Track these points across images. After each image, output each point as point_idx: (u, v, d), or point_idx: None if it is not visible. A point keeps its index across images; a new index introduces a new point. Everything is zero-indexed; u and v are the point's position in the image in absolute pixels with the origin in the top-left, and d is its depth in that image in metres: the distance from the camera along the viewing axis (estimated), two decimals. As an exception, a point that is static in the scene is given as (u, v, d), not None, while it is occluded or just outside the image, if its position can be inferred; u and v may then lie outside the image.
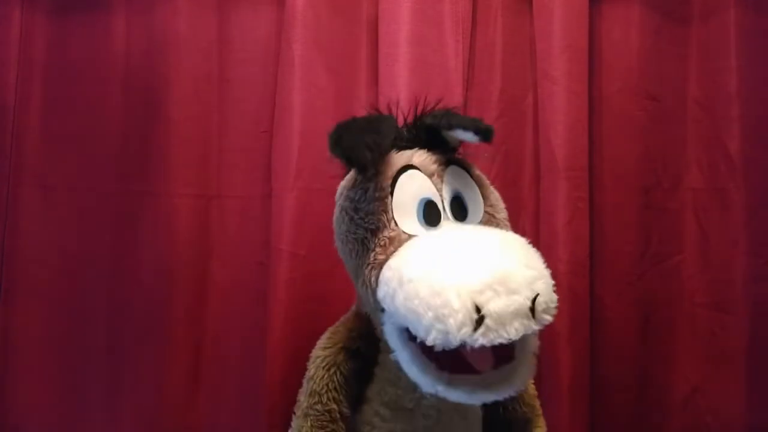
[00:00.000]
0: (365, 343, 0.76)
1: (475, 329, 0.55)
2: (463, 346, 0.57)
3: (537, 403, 0.85)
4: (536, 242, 1.04)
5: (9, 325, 1.09)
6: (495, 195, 0.76)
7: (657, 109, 1.08)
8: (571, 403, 1.00)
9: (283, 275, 1.01)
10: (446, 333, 0.56)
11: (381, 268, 0.66)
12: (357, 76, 1.09)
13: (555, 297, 0.61)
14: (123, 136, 1.09)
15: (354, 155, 0.64)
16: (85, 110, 1.10)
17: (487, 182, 0.77)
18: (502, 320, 0.55)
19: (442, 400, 0.66)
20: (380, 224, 0.67)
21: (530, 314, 0.57)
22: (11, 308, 1.09)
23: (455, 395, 0.62)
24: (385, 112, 0.77)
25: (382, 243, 0.67)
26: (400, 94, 1.03)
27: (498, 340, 0.56)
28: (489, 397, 0.63)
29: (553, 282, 0.62)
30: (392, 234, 0.67)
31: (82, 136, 1.10)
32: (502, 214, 0.75)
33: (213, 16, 1.10)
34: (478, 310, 0.55)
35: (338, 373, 0.75)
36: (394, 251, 0.66)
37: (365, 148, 0.63)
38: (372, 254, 0.67)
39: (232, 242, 1.09)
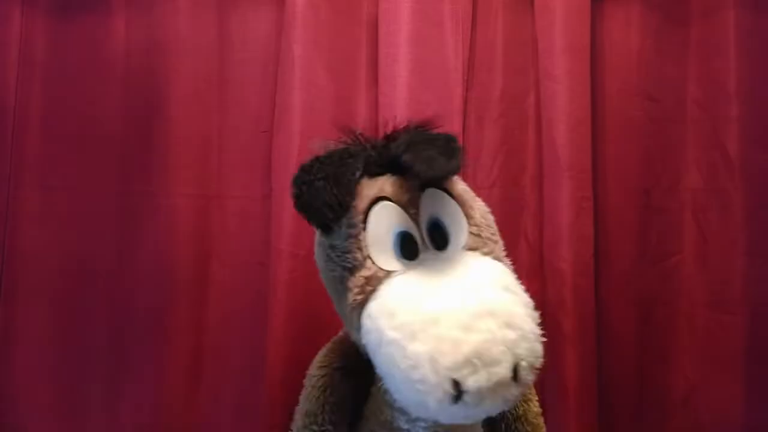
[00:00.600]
0: (360, 362, 0.73)
1: (456, 401, 0.53)
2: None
3: (541, 420, 0.82)
4: (539, 242, 1.06)
5: (9, 325, 1.08)
6: (480, 210, 0.71)
7: (656, 109, 1.08)
8: (578, 406, 0.99)
9: (283, 275, 1.01)
10: (426, 407, 0.55)
11: (361, 308, 0.63)
12: (357, 76, 1.09)
13: (539, 352, 0.57)
14: (123, 136, 1.09)
15: (315, 218, 0.63)
16: (85, 110, 1.09)
17: (471, 197, 0.72)
18: (481, 396, 0.53)
19: (439, 423, 0.65)
20: (356, 263, 0.64)
21: (512, 381, 0.54)
22: (11, 308, 1.09)
23: (446, 417, 0.60)
24: (356, 135, 0.71)
25: (359, 283, 0.63)
26: (400, 94, 1.03)
27: (477, 413, 0.54)
28: (479, 416, 0.61)
29: (536, 333, 0.58)
30: (369, 273, 0.63)
31: (83, 136, 1.10)
32: (489, 230, 0.70)
33: (213, 16, 1.10)
34: (457, 384, 0.53)
35: (334, 394, 0.74)
36: (373, 291, 0.62)
37: (327, 209, 0.61)
38: (350, 295, 0.64)
39: (232, 242, 1.09)
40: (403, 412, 0.70)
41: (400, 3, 1.04)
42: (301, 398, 0.77)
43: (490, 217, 0.73)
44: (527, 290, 0.64)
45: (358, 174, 0.64)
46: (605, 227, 1.06)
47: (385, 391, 0.68)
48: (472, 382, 0.53)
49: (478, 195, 1.06)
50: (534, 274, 1.06)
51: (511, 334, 0.55)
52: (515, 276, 0.66)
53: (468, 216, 0.68)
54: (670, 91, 1.08)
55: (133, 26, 1.09)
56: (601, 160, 1.07)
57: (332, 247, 0.67)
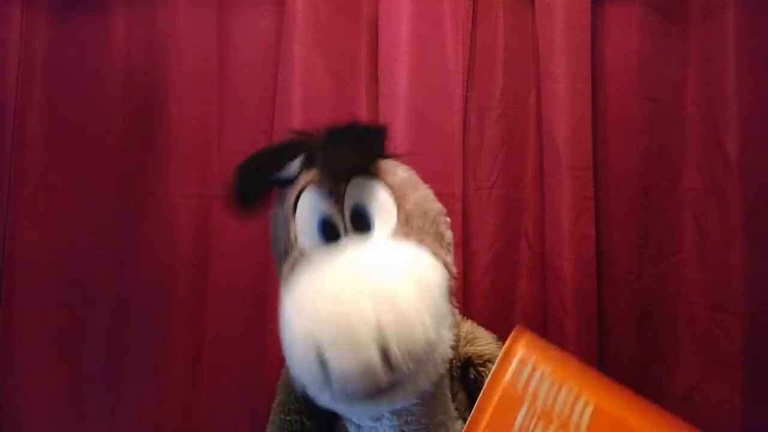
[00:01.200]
0: None
1: (327, 383, 0.54)
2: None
3: None
4: (540, 242, 1.06)
5: (9, 325, 1.09)
6: (416, 199, 0.70)
7: (656, 109, 1.08)
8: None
9: (283, 275, 1.02)
10: (303, 386, 0.57)
11: (289, 290, 0.64)
12: (357, 76, 1.09)
13: (421, 333, 0.55)
14: (123, 136, 1.09)
15: (237, 208, 0.68)
16: (85, 110, 1.10)
17: (410, 185, 0.72)
18: (344, 379, 0.53)
19: (406, 420, 0.67)
20: (287, 247, 0.68)
21: (381, 365, 0.52)
22: (11, 308, 1.09)
23: (332, 404, 0.60)
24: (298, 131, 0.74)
25: (289, 266, 0.66)
26: (400, 94, 1.03)
27: (344, 399, 0.53)
28: (355, 405, 0.59)
29: (423, 323, 0.56)
30: (296, 254, 0.67)
31: (82, 136, 1.10)
32: (421, 220, 0.69)
33: (213, 16, 1.10)
34: (324, 365, 0.53)
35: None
36: (300, 271, 0.65)
37: (241, 194, 0.67)
38: (283, 276, 0.67)
39: (232, 242, 1.09)
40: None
41: (400, 3, 1.04)
42: (276, 391, 0.81)
43: (432, 208, 0.72)
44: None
45: (284, 159, 0.69)
46: (605, 227, 1.06)
47: None
48: (335, 364, 0.53)
49: (479, 195, 1.08)
50: (535, 275, 1.06)
51: (388, 317, 0.54)
52: (444, 269, 0.65)
53: (399, 205, 0.68)
54: (669, 91, 1.08)
55: (133, 26, 1.09)
56: (601, 160, 1.07)
57: (273, 232, 0.72)
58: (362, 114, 1.08)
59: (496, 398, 0.51)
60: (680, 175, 1.09)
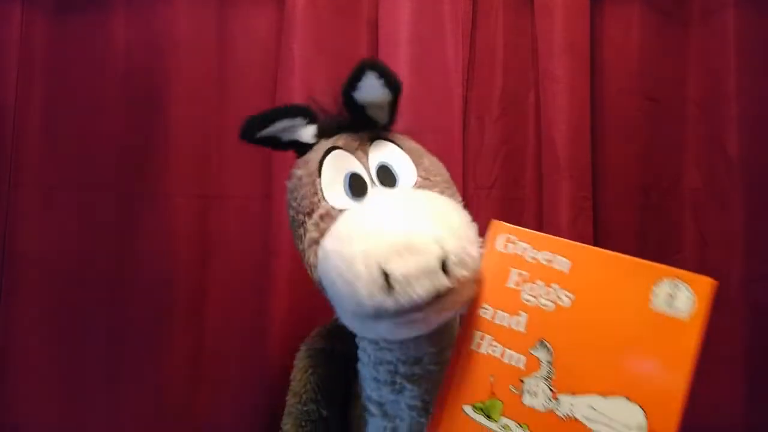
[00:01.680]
0: (344, 342, 0.77)
1: (387, 292, 0.56)
2: (380, 317, 0.57)
3: None
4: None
5: (9, 325, 1.09)
6: (430, 161, 0.76)
7: (656, 109, 1.08)
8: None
9: (283, 275, 1.01)
10: (359, 303, 0.57)
11: (317, 246, 0.67)
12: (357, 76, 1.09)
13: (472, 249, 0.60)
14: (123, 136, 1.09)
15: (248, 131, 0.73)
16: (85, 110, 1.10)
17: (422, 152, 0.77)
18: (407, 281, 0.55)
19: (426, 389, 0.68)
20: (313, 206, 0.70)
21: (441, 271, 0.56)
22: (11, 308, 1.09)
23: (383, 316, 0.60)
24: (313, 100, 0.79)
25: (314, 222, 0.68)
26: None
27: (408, 302, 0.55)
28: (413, 314, 0.60)
29: (471, 238, 0.62)
30: (323, 212, 0.68)
31: (83, 136, 1.10)
32: (440, 177, 0.74)
33: (213, 16, 1.10)
34: (386, 275, 0.55)
35: (315, 374, 0.78)
36: (326, 228, 0.66)
37: (256, 121, 0.72)
38: (308, 234, 0.69)
39: (232, 242, 1.09)
40: (386, 383, 0.71)
41: (400, 3, 1.04)
42: (291, 378, 0.81)
43: (442, 169, 0.77)
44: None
45: (293, 111, 0.75)
46: (604, 227, 1.06)
47: (368, 365, 0.72)
48: (397, 267, 0.55)
49: (479, 195, 1.08)
50: (534, 274, 1.06)
51: (438, 231, 0.58)
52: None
53: (417, 164, 0.73)
54: (669, 91, 1.08)
55: (133, 26, 1.09)
56: (601, 160, 1.07)
57: (294, 198, 0.73)
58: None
59: (489, 269, 0.61)
60: (680, 175, 1.09)
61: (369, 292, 0.56)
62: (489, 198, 1.08)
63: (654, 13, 1.08)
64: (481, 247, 0.63)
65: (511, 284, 0.60)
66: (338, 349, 0.79)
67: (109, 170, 1.09)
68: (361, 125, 0.75)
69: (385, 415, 0.73)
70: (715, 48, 1.06)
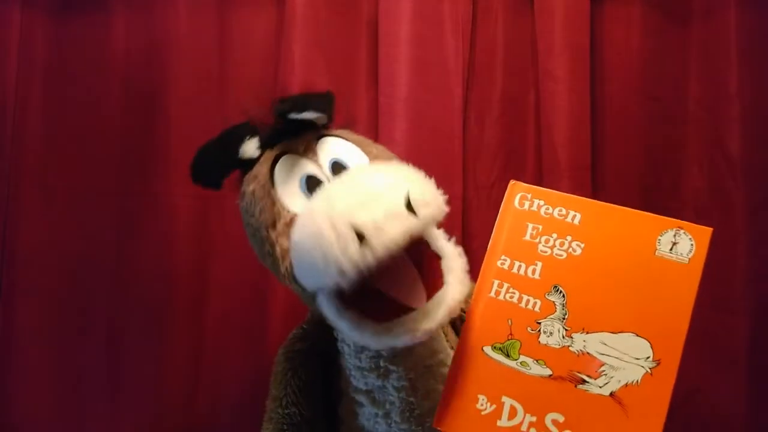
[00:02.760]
0: (323, 339, 0.77)
1: (361, 243, 0.55)
2: (363, 274, 0.56)
3: None
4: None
5: (9, 325, 1.09)
6: (378, 148, 0.76)
7: (657, 109, 1.08)
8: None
9: (283, 275, 1.01)
10: (338, 265, 0.56)
11: (288, 253, 0.66)
12: (357, 76, 1.09)
13: (433, 189, 0.61)
14: (123, 136, 1.09)
15: (206, 176, 0.72)
16: (85, 110, 1.10)
17: (368, 141, 0.77)
18: (379, 226, 0.55)
19: (410, 366, 0.69)
20: (274, 216, 0.68)
21: (407, 211, 0.57)
22: (11, 308, 1.09)
23: (399, 340, 0.61)
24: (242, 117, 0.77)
25: (281, 231, 0.67)
26: (400, 94, 1.03)
27: (384, 249, 0.55)
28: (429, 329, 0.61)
29: (429, 180, 0.63)
30: (287, 219, 0.67)
31: (82, 136, 1.10)
32: (393, 159, 0.75)
33: (213, 16, 1.10)
34: (355, 230, 0.55)
35: (295, 377, 0.77)
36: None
37: (214, 164, 0.71)
38: (278, 246, 0.68)
39: (232, 242, 1.09)
40: (371, 369, 0.71)
41: (400, 3, 1.04)
42: (270, 385, 0.80)
43: (392, 155, 0.77)
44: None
45: (244, 137, 0.72)
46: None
47: (350, 356, 0.72)
48: (364, 216, 0.55)
49: (479, 195, 1.08)
50: (534, 275, 1.06)
51: (399, 178, 0.60)
52: None
53: (366, 152, 0.74)
54: (670, 91, 1.08)
55: (133, 26, 1.09)
56: (601, 160, 1.07)
57: (252, 215, 0.71)
58: (362, 114, 1.08)
59: (507, 224, 0.66)
60: (682, 174, 1.08)
61: (344, 251, 0.55)
62: (489, 198, 1.07)
63: (655, 13, 1.08)
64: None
65: (527, 237, 0.64)
66: (317, 347, 0.78)
67: (109, 170, 1.09)
68: (302, 129, 0.74)
69: (374, 402, 0.73)
70: (716, 47, 1.06)
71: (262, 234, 0.69)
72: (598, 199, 1.04)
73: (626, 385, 0.58)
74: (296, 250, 0.62)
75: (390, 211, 0.56)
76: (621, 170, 1.07)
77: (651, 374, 0.58)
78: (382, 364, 0.70)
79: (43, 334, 1.09)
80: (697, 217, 1.07)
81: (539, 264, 0.63)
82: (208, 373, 1.09)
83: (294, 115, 0.70)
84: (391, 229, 0.55)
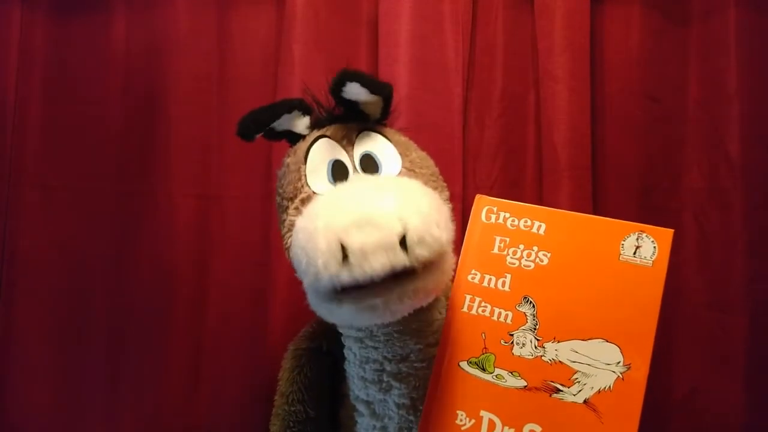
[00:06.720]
0: (331, 341, 0.78)
1: (343, 267, 0.56)
2: (335, 287, 0.57)
3: None
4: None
5: (9, 325, 1.09)
6: (419, 155, 0.77)
7: (657, 109, 1.08)
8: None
9: (283, 275, 1.01)
10: (316, 274, 0.57)
11: (291, 231, 0.68)
12: (357, 76, 1.09)
13: (436, 232, 0.59)
14: (123, 136, 1.09)
15: (245, 127, 0.73)
16: (85, 110, 1.10)
17: (412, 146, 0.78)
18: (364, 254, 0.55)
19: (414, 386, 0.69)
20: (296, 191, 0.71)
21: (399, 248, 0.56)
22: (11, 308, 1.09)
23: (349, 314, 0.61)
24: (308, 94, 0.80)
25: (295, 206, 0.70)
26: (400, 94, 1.03)
27: (362, 276, 0.55)
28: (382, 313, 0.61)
29: (440, 222, 0.61)
30: (304, 196, 0.70)
31: (82, 135, 1.10)
32: (427, 170, 0.75)
33: (213, 16, 1.10)
34: (344, 248, 0.56)
35: (302, 374, 0.79)
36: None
37: (254, 117, 0.73)
38: (288, 218, 0.71)
39: (232, 242, 1.09)
40: (374, 381, 0.71)
41: (400, 3, 1.04)
42: (278, 381, 0.82)
43: (431, 163, 0.78)
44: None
45: (293, 108, 0.75)
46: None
47: (354, 364, 0.72)
48: (354, 239, 0.56)
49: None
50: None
51: (406, 210, 0.58)
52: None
53: (403, 155, 0.75)
54: (670, 91, 1.08)
55: (133, 26, 1.09)
56: (601, 160, 1.07)
57: (281, 185, 0.75)
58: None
59: (475, 238, 0.67)
60: (681, 175, 1.08)
61: (325, 263, 0.56)
62: (489, 198, 1.07)
63: (654, 13, 1.08)
64: (453, 232, 0.64)
65: (495, 250, 0.66)
66: (325, 348, 0.80)
67: (109, 170, 1.10)
68: (354, 118, 0.76)
69: (373, 414, 0.73)
70: (716, 48, 1.06)
71: (283, 204, 0.73)
72: (597, 199, 1.06)
73: (599, 391, 0.60)
74: (295, 234, 0.64)
75: (382, 242, 0.56)
76: (621, 170, 1.07)
77: (623, 379, 0.59)
78: (385, 378, 0.70)
79: (43, 334, 1.09)
80: (697, 218, 1.07)
81: (509, 276, 0.65)
82: (208, 373, 1.09)
83: (346, 88, 0.71)
84: (374, 260, 0.55)
